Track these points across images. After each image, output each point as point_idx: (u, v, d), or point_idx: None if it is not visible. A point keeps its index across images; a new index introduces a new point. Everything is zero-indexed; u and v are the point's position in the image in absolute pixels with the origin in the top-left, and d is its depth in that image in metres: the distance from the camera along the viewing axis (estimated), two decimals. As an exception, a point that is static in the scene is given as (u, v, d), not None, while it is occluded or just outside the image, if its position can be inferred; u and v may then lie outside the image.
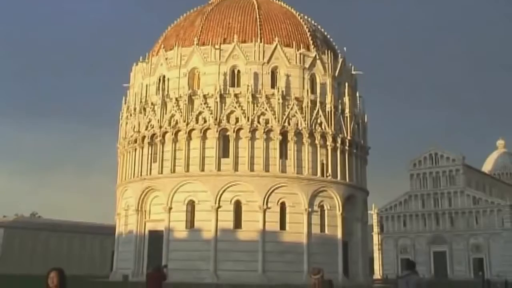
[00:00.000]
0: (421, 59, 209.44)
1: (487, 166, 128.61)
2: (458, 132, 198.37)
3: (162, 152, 49.90)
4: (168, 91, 51.26)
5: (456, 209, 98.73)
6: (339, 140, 51.20)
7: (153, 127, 50.85)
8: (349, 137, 52.36)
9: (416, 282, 11.10)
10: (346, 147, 52.11)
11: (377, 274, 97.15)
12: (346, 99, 53.38)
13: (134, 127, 52.86)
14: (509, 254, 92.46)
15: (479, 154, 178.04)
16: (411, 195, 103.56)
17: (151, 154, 50.82)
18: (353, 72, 57.73)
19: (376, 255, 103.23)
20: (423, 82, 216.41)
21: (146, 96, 53.26)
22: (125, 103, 56.55)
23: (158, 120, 50.35)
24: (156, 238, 47.94)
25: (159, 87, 52.14)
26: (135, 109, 53.58)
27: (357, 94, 57.22)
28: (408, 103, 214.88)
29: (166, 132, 49.88)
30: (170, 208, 47.88)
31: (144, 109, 52.45)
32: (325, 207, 49.46)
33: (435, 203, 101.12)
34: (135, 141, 52.31)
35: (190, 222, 47.69)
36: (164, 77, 52.42)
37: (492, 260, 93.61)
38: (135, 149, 52.33)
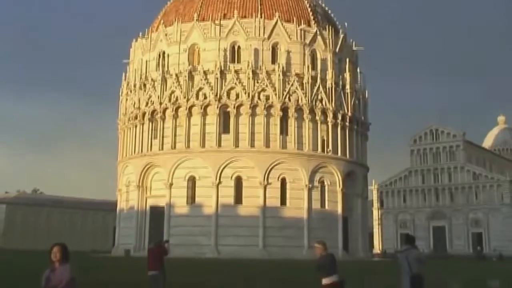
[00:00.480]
0: (421, 34, 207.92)
1: (488, 142, 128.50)
2: (459, 108, 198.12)
3: (163, 128, 49.92)
4: (168, 67, 51.05)
5: (456, 184, 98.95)
6: (339, 116, 51.17)
7: (153, 104, 50.77)
8: (349, 113, 52.32)
9: (416, 256, 11.15)
10: (347, 123, 52.12)
11: (377, 249, 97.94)
12: (347, 75, 53.20)
13: (134, 104, 52.78)
14: (508, 229, 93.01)
15: (479, 130, 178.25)
16: (411, 171, 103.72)
17: (152, 130, 50.85)
18: (354, 48, 57.40)
19: (376, 230, 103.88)
20: (424, 58, 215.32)
21: (146, 72, 53.07)
22: (125, 79, 56.39)
23: (158, 96, 50.25)
24: (157, 214, 48.27)
25: (159, 63, 51.91)
26: (135, 86, 53.43)
27: (358, 70, 57.01)
28: (409, 78, 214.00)
29: (166, 109, 49.82)
30: (171, 184, 48.10)
31: (144, 85, 52.31)
32: (325, 183, 49.68)
33: (435, 178, 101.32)
34: (136, 117, 52.28)
35: (191, 198, 47.96)
36: (164, 53, 52.15)
37: (491, 235, 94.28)
38: (136, 126, 52.33)
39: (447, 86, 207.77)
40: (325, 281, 9.50)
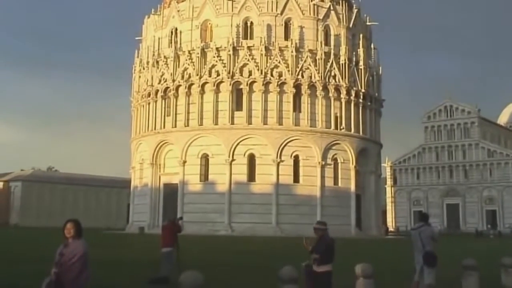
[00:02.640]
0: (436, 7, 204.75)
1: (503, 118, 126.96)
2: (474, 84, 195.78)
3: (176, 105, 49.83)
4: (180, 44, 50.73)
5: (470, 161, 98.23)
6: (353, 93, 50.71)
7: (166, 81, 50.62)
8: (363, 90, 51.83)
9: (429, 233, 11.03)
10: (360, 100, 51.66)
11: (390, 226, 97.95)
12: (361, 51, 52.55)
13: (147, 81, 52.67)
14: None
15: (495, 106, 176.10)
16: (425, 148, 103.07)
17: (165, 108, 50.79)
18: (367, 23, 56.60)
19: (389, 207, 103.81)
20: (438, 32, 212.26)
21: (158, 49, 52.81)
22: (138, 57, 56.20)
23: (171, 74, 50.06)
24: (171, 191, 48.48)
25: (171, 40, 51.59)
26: (147, 63, 53.24)
27: (372, 46, 56.26)
28: (424, 54, 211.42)
29: (179, 86, 49.66)
30: (185, 162, 48.17)
31: (157, 62, 52.09)
32: (338, 160, 49.47)
33: (449, 155, 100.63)
34: (148, 95, 52.21)
35: (204, 175, 48.05)
36: (176, 29, 51.78)
37: (505, 213, 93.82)
38: (149, 103, 52.29)
39: (462, 62, 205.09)
40: (318, 268, 8.68)
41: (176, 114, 49.72)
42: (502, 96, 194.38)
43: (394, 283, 13.02)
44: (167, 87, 50.39)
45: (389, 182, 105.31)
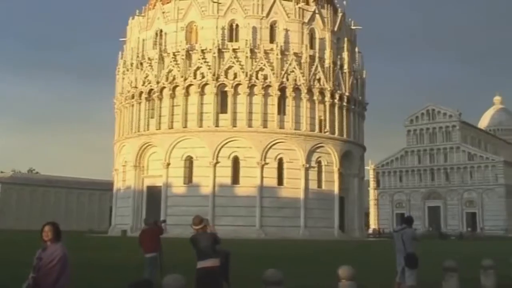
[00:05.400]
0: (419, 12, 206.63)
1: (483, 122, 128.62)
2: (455, 89, 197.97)
3: (160, 107, 49.68)
4: (165, 46, 50.59)
5: (451, 164, 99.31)
6: (337, 96, 51.02)
7: (150, 83, 50.44)
8: (347, 93, 52.17)
9: (410, 235, 11.24)
10: (344, 103, 51.99)
11: (371, 228, 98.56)
12: (345, 55, 52.88)
13: (131, 83, 52.43)
14: (501, 209, 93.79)
15: (475, 110, 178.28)
16: (407, 151, 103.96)
17: (149, 109, 50.61)
18: (352, 27, 56.99)
19: (372, 210, 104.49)
20: (421, 38, 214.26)
21: (143, 51, 52.60)
22: (122, 58, 55.91)
23: (155, 75, 49.89)
24: (154, 194, 48.27)
25: (156, 41, 51.42)
26: (132, 64, 52.99)
27: (356, 50, 56.67)
28: (406, 59, 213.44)
29: (163, 88, 49.51)
30: (168, 164, 48.02)
31: (141, 64, 51.89)
32: (322, 163, 49.72)
33: (431, 158, 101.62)
34: (132, 96, 51.98)
35: (188, 178, 47.95)
36: (161, 31, 51.61)
37: (485, 215, 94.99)
38: (132, 105, 52.06)
39: (444, 66, 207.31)
40: (199, 264, 8.47)
41: (160, 116, 49.57)
42: (483, 101, 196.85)
43: (376, 284, 13.14)
44: (151, 89, 50.22)
45: (372, 184, 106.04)
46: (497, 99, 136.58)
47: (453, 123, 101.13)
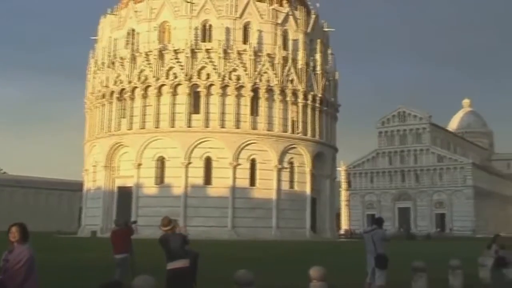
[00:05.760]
0: (393, 18, 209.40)
1: (453, 125, 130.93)
2: (426, 91, 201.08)
3: (131, 107, 49.21)
4: (137, 45, 50.12)
5: (421, 166, 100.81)
6: (310, 97, 51.30)
7: (122, 82, 49.92)
8: (320, 94, 52.49)
9: (381, 236, 11.35)
10: (317, 105, 52.30)
11: (343, 229, 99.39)
12: (318, 56, 53.20)
13: (103, 82, 51.81)
14: (470, 210, 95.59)
15: (445, 113, 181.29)
16: (378, 153, 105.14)
17: (120, 109, 50.09)
18: (325, 29, 57.35)
19: (343, 211, 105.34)
20: (394, 41, 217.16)
21: (114, 50, 52.00)
22: (93, 57, 55.23)
23: (127, 75, 49.39)
24: (125, 194, 47.78)
25: (128, 41, 50.90)
26: (103, 64, 52.35)
27: (329, 51, 57.05)
28: (379, 61, 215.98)
29: (135, 88, 49.05)
30: (140, 164, 47.61)
31: (113, 63, 51.31)
32: (294, 164, 49.92)
33: (402, 160, 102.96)
34: (103, 96, 51.37)
35: (160, 178, 47.61)
36: (133, 30, 51.11)
37: (454, 216, 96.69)
38: (103, 105, 51.45)
39: (416, 69, 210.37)
40: (169, 265, 8.41)
41: (131, 116, 49.09)
42: (452, 103, 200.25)
43: (347, 285, 13.23)
44: (123, 89, 49.70)
45: (343, 185, 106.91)
46: (466, 102, 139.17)
47: (423, 126, 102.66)
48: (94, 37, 56.49)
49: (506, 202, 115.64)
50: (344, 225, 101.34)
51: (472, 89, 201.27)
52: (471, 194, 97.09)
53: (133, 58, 49.59)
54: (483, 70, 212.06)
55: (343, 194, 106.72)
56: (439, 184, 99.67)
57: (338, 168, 76.92)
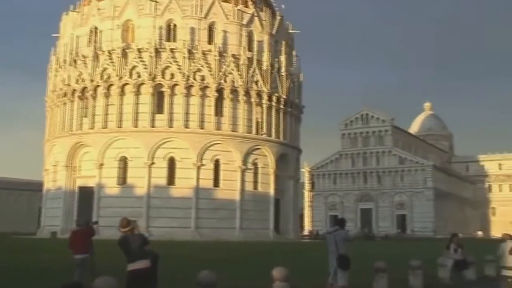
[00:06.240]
0: (357, 20, 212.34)
1: (414, 127, 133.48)
2: (389, 94, 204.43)
3: (94, 106, 48.43)
4: (100, 44, 49.36)
5: (383, 168, 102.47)
6: (274, 99, 51.48)
7: (84, 81, 49.08)
8: (284, 96, 52.73)
9: (343, 237, 11.45)
10: (281, 106, 52.53)
11: (307, 230, 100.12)
12: (283, 58, 53.45)
13: (64, 80, 50.83)
14: (430, 211, 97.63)
15: (407, 116, 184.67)
16: (342, 154, 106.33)
17: (82, 108, 49.25)
18: (290, 31, 57.68)
19: (307, 211, 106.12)
20: (358, 45, 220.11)
21: (76, 48, 51.09)
22: (54, 55, 54.14)
23: (89, 74, 48.58)
24: (86, 195, 46.97)
25: (91, 38, 50.07)
26: (65, 61, 51.37)
27: (294, 53, 57.38)
28: (344, 64, 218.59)
29: (98, 86, 48.30)
30: (102, 164, 46.90)
31: (75, 61, 50.40)
32: (258, 165, 50.00)
33: (364, 162, 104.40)
34: (65, 94, 50.40)
35: (122, 179, 47.01)
36: (96, 28, 50.30)
37: (414, 217, 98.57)
38: (65, 103, 50.49)
39: (379, 72, 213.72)
40: (130, 266, 8.27)
41: (94, 115, 48.31)
42: (414, 106, 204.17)
43: (310, 285, 13.29)
44: (85, 87, 48.88)
45: (307, 187, 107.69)
46: (427, 105, 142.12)
47: (386, 128, 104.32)
48: (56, 34, 55.38)
49: (464, 204, 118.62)
50: (307, 226, 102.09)
51: (433, 92, 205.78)
52: (431, 196, 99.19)
53: (96, 57, 48.82)
54: (443, 74, 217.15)
55: (307, 195, 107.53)
56: (400, 185, 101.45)
57: (301, 169, 77.50)
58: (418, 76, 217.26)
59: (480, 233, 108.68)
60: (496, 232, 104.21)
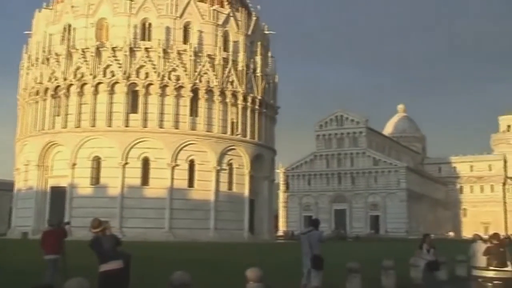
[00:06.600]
0: (332, 22, 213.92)
1: (388, 129, 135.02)
2: (364, 96, 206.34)
3: (67, 105, 47.77)
4: (74, 42, 48.71)
5: (357, 169, 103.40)
6: (249, 99, 51.50)
7: (57, 79, 48.38)
8: (259, 97, 52.80)
9: (317, 237, 11.52)
10: (256, 107, 52.58)
11: (282, 230, 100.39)
12: (258, 59, 53.50)
13: (36, 78, 50.01)
14: (403, 212, 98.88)
15: (381, 118, 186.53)
16: (316, 155, 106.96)
17: (54, 107, 48.54)
18: (265, 32, 57.79)
19: (281, 212, 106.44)
20: (334, 46, 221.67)
21: (49, 46, 50.32)
22: (26, 52, 53.25)
23: (62, 72, 47.90)
24: (58, 195, 46.29)
25: (64, 36, 49.38)
26: (37, 59, 50.54)
27: (269, 54, 57.51)
28: (319, 66, 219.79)
29: (71, 85, 47.66)
30: (74, 164, 46.29)
31: (48, 59, 49.64)
32: (233, 166, 49.95)
33: (339, 163, 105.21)
34: (37, 93, 49.61)
35: (95, 179, 46.47)
36: (70, 26, 49.60)
37: (387, 218, 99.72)
38: (37, 102, 49.69)
39: (354, 74, 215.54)
40: (102, 267, 8.18)
41: (67, 114, 47.64)
42: (388, 108, 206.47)
43: (283, 286, 13.32)
44: (58, 86, 48.18)
45: (282, 187, 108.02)
46: (400, 107, 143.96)
47: (360, 130, 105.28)
48: (28, 32, 54.46)
49: (436, 205, 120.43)
50: (282, 226, 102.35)
51: (407, 94, 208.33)
52: (404, 197, 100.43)
53: (69, 55, 48.18)
54: (416, 76, 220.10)
55: (281, 196, 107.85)
56: (374, 186, 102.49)
57: (276, 170, 77.66)
58: (392, 78, 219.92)
59: (451, 233, 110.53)
60: (467, 232, 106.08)
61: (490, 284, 10.81)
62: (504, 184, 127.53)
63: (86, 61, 47.37)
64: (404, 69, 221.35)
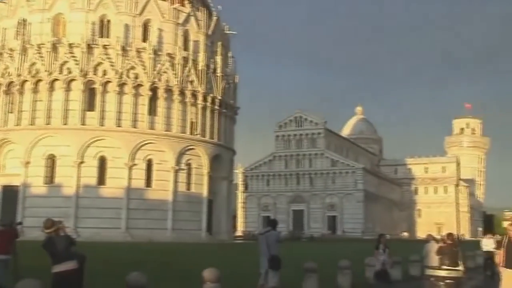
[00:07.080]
0: (293, 24, 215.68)
1: (346, 131, 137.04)
2: (323, 98, 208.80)
3: (20, 102, 46.50)
4: (29, 37, 47.48)
5: (315, 170, 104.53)
6: (209, 99, 51.33)
7: (10, 75, 47.05)
8: (219, 97, 52.69)
9: (275, 238, 11.59)
10: (216, 107, 52.45)
11: (240, 231, 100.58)
12: (218, 59, 53.37)
13: (-12, 74, 48.50)
14: (359, 213, 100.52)
15: (340, 119, 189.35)
16: (275, 156, 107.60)
17: (7, 104, 47.21)
18: (226, 32, 57.75)
19: (240, 212, 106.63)
20: (293, 48, 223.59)
21: (3, 41, 48.91)
22: (-21, 46, 51.57)
23: (16, 68, 46.60)
24: (10, 194, 44.98)
25: (19, 31, 48.05)
26: (-10, 54, 49.04)
27: (230, 54, 57.47)
28: (280, 67, 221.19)
29: (25, 81, 46.42)
30: (28, 163, 45.11)
31: (1, 54, 48.25)
32: (192, 166, 49.68)
33: (297, 164, 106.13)
34: (-11, 88, 48.12)
35: (50, 178, 45.41)
36: (25, 21, 48.29)
37: (344, 218, 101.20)
38: (-11, 98, 48.20)
39: (313, 76, 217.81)
40: (55, 268, 8.07)
41: (20, 111, 46.38)
42: (346, 110, 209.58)
43: (241, 286, 13.32)
44: (11, 82, 46.87)
45: (240, 188, 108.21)
46: (358, 109, 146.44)
47: (319, 131, 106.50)
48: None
49: (392, 206, 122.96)
50: (240, 226, 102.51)
51: (364, 97, 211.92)
52: (361, 198, 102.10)
53: (24, 50, 46.93)
54: (374, 79, 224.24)
55: (240, 196, 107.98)
56: (331, 187, 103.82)
57: (235, 171, 77.68)
58: (350, 81, 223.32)
59: (406, 234, 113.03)
60: (421, 233, 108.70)
61: (442, 283, 11.09)
62: (457, 185, 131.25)
63: (41, 57, 46.25)
64: (362, 72, 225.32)
